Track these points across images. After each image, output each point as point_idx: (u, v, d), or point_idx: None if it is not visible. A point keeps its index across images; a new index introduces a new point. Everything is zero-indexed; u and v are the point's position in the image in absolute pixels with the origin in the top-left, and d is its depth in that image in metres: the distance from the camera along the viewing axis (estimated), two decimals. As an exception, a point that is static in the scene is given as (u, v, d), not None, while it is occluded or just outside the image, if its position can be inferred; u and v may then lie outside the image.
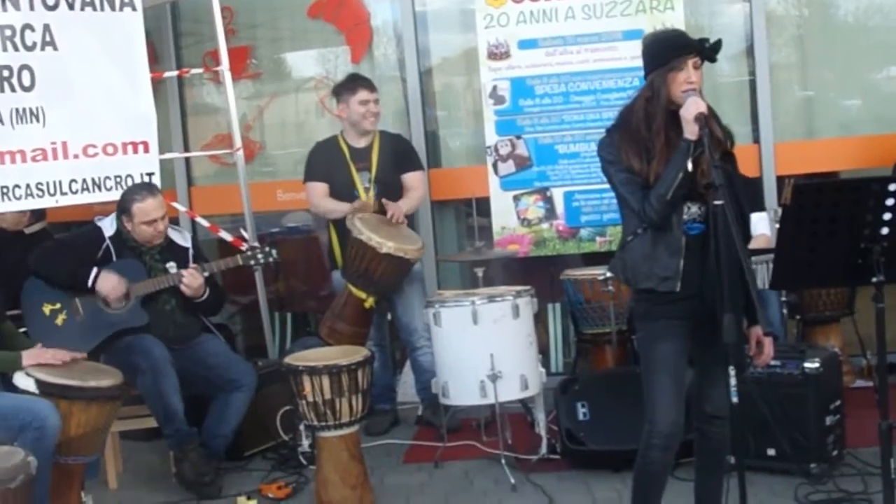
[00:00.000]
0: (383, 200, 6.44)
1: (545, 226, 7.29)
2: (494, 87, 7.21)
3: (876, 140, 7.19)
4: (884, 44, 7.46)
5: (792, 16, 7.50)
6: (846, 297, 6.62)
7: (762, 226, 6.35)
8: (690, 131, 3.98)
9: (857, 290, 6.61)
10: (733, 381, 3.87)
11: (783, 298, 6.33)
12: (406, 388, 7.14)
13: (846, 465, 5.42)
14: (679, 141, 4.02)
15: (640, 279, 4.19)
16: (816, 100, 7.50)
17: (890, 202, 3.57)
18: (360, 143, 6.62)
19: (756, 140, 7.29)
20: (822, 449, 5.33)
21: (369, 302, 6.30)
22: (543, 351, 7.10)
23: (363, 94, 6.54)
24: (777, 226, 6.09)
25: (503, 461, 5.67)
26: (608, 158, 4.21)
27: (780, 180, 7.18)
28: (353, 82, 6.62)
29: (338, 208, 6.48)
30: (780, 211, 6.32)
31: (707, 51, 4.14)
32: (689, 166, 3.97)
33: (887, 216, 3.59)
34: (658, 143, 4.07)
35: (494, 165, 7.26)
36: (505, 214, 7.29)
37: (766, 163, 7.22)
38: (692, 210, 4.14)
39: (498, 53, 7.19)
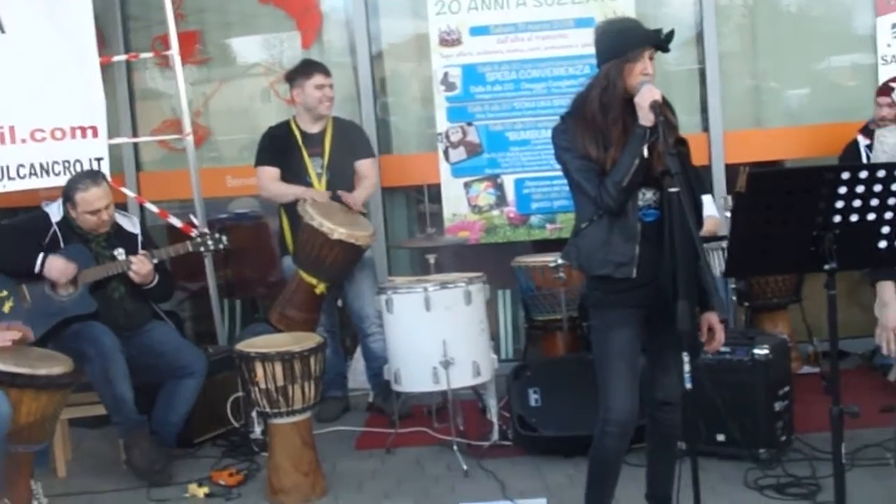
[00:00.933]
0: (339, 193, 6.40)
1: (496, 213, 7.30)
2: (445, 74, 7.21)
3: (823, 129, 7.27)
4: (828, 34, 7.54)
5: (739, 5, 7.55)
6: (794, 284, 6.69)
7: (709, 209, 6.40)
8: (645, 118, 4.01)
9: (804, 277, 6.68)
10: (687, 368, 3.89)
11: (732, 285, 6.39)
12: (356, 374, 7.12)
13: (794, 451, 5.48)
14: (635, 128, 4.05)
15: (596, 266, 4.20)
16: (764, 89, 7.57)
17: (842, 190, 3.59)
18: (314, 129, 6.59)
19: (705, 129, 7.35)
20: (770, 434, 5.38)
21: (320, 288, 6.27)
22: (493, 338, 7.09)
23: (318, 79, 6.51)
24: (726, 212, 6.20)
25: (455, 447, 5.67)
26: (563, 145, 4.22)
27: (729, 169, 7.25)
28: (308, 67, 6.57)
29: (289, 191, 6.45)
30: (729, 199, 6.41)
31: (661, 42, 4.18)
32: (645, 153, 4.00)
33: (840, 204, 3.61)
34: (615, 131, 4.09)
35: (445, 152, 7.26)
36: (456, 201, 7.30)
37: (716, 151, 7.28)
38: (647, 196, 4.17)
39: (449, 40, 7.18)
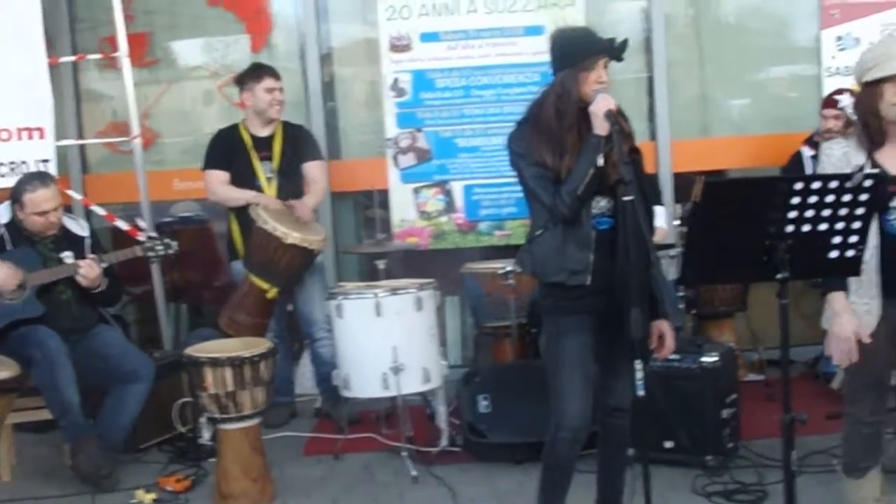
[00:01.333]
0: (289, 203, 6.37)
1: (444, 219, 7.32)
2: (395, 80, 7.21)
3: (768, 139, 7.35)
4: (773, 46, 7.65)
5: (686, 15, 7.62)
6: (740, 292, 6.77)
7: (659, 220, 6.45)
8: (600, 127, 4.05)
9: (749, 286, 6.76)
10: (640, 375, 3.92)
11: (680, 293, 6.44)
12: (303, 380, 7.10)
13: (741, 458, 5.54)
14: (589, 137, 4.08)
15: (550, 273, 4.23)
16: (711, 99, 7.64)
17: (795, 201, 3.63)
18: (263, 133, 6.55)
19: (653, 137, 7.40)
20: (718, 441, 5.43)
21: (272, 293, 6.23)
22: (441, 344, 7.09)
23: (269, 83, 6.48)
24: (675, 221, 6.26)
25: (404, 453, 5.67)
26: (519, 152, 4.25)
27: (676, 177, 7.31)
28: (259, 70, 6.54)
29: (240, 196, 6.41)
30: (678, 207, 6.47)
31: (615, 51, 4.22)
32: (600, 161, 4.03)
33: (792, 214, 3.65)
34: (570, 139, 4.13)
35: (394, 158, 7.26)
36: (404, 207, 7.31)
37: (663, 160, 7.33)
38: (601, 205, 4.21)
39: (399, 46, 7.19)
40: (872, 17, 7.27)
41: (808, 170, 6.58)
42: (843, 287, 4.18)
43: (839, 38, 7.33)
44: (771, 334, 7.06)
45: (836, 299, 4.20)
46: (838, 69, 7.29)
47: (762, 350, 6.92)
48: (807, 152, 6.71)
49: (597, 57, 4.15)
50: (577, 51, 4.18)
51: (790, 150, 6.89)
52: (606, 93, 4.12)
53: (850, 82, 6.79)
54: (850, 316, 4.17)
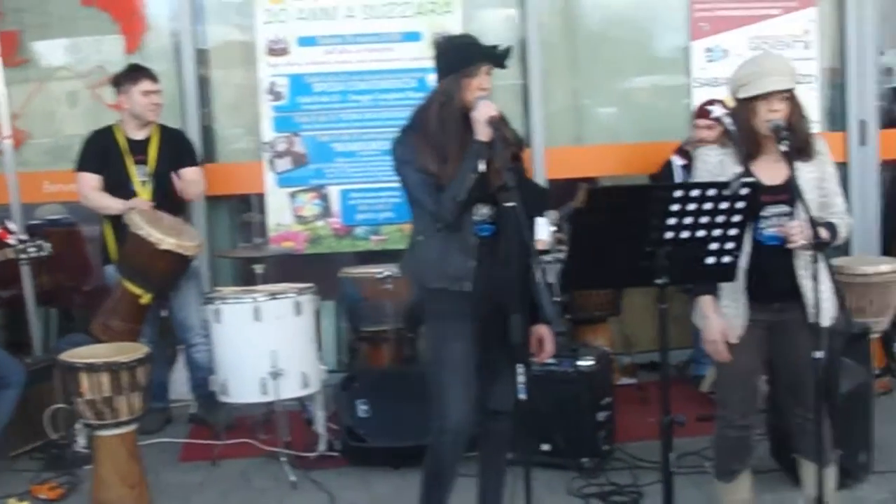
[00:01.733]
0: (172, 174, 6.30)
1: (320, 223, 7.30)
2: (272, 84, 7.18)
3: (639, 148, 7.48)
4: (644, 56, 7.81)
5: (560, 24, 7.72)
6: (613, 298, 6.89)
7: (542, 231, 6.51)
8: (482, 133, 4.09)
9: (622, 291, 6.89)
10: (522, 379, 3.99)
11: (556, 298, 6.52)
12: (177, 385, 7.01)
13: (616, 460, 5.66)
14: (472, 143, 4.12)
15: (432, 279, 4.27)
16: (584, 107, 7.76)
17: (675, 208, 3.73)
18: (139, 136, 6.45)
19: (527, 145, 7.46)
20: (593, 444, 5.54)
21: (145, 299, 6.14)
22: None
23: (146, 85, 6.39)
24: (551, 227, 6.34)
25: (283, 459, 5.65)
26: (402, 158, 4.27)
27: (551, 184, 7.40)
28: (136, 72, 6.44)
29: (112, 204, 6.31)
30: (553, 214, 6.55)
31: (499, 58, 4.28)
32: (482, 167, 4.08)
33: (672, 221, 3.75)
34: (453, 146, 4.17)
35: (271, 162, 7.22)
36: (280, 211, 7.27)
37: (538, 167, 7.41)
38: (483, 211, 4.26)
39: (277, 49, 7.16)
40: (740, 30, 7.47)
41: (679, 178, 6.71)
42: (713, 291, 4.32)
43: (708, 50, 7.51)
44: (642, 338, 7.29)
45: (704, 303, 4.34)
46: (707, 80, 7.47)
47: (634, 354, 7.05)
48: (677, 161, 6.85)
49: (479, 64, 4.20)
50: (460, 57, 4.23)
51: (661, 159, 7.02)
52: (489, 100, 4.18)
53: (720, 93, 7.01)
54: (717, 318, 4.31)
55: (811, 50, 7.51)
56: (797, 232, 4.11)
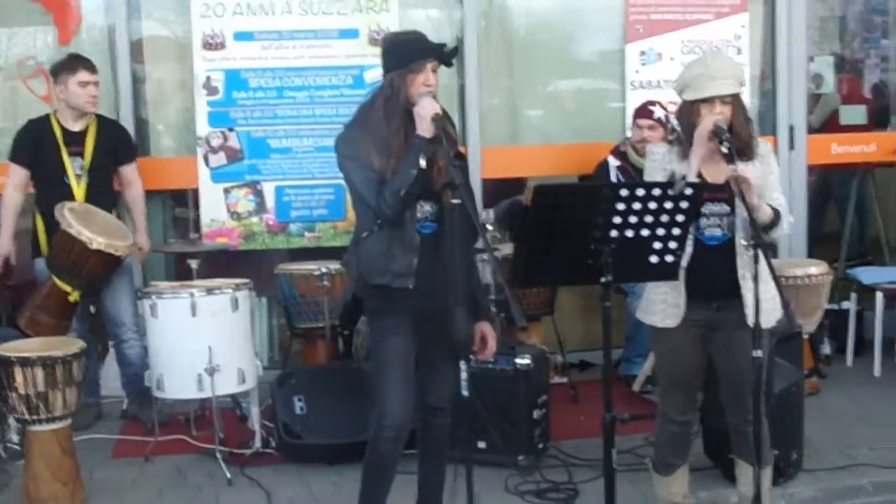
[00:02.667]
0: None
1: (255, 219, 7.24)
2: (208, 78, 7.10)
3: (574, 148, 7.53)
4: (580, 57, 7.88)
5: (497, 25, 7.75)
6: (548, 297, 6.92)
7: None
8: (424, 129, 4.12)
9: (557, 290, 6.93)
10: (464, 376, 4.02)
11: (492, 297, 6.55)
12: (108, 381, 6.92)
13: (551, 457, 5.70)
14: (414, 138, 4.14)
15: (375, 276, 4.28)
16: (519, 107, 7.79)
17: (620, 207, 3.78)
18: (75, 127, 6.33)
19: (463, 143, 7.49)
20: (529, 441, 5.58)
21: (74, 296, 6.04)
22: (251, 345, 7.06)
23: (83, 75, 6.28)
24: (487, 226, 6.37)
25: (219, 455, 5.61)
26: (346, 154, 4.29)
27: (485, 183, 7.43)
28: (74, 62, 6.33)
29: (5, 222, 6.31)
30: (490, 212, 6.59)
31: (445, 56, 4.30)
32: (423, 163, 4.10)
33: (617, 220, 3.80)
34: (397, 141, 4.19)
35: (205, 157, 7.16)
36: (214, 207, 7.19)
37: (473, 166, 7.40)
38: (425, 209, 4.29)
39: (213, 44, 7.09)
40: (674, 34, 7.56)
41: (614, 179, 6.78)
42: None
43: (643, 53, 7.59)
44: (574, 338, 7.33)
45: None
46: (641, 83, 7.55)
47: (568, 353, 7.10)
48: (613, 162, 6.91)
49: (425, 60, 4.23)
50: (406, 53, 4.26)
51: (594, 160, 7.07)
52: (433, 97, 4.20)
53: (654, 95, 7.11)
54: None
55: (743, 55, 7.61)
56: (746, 176, 4.11)
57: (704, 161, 4.24)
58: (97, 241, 5.88)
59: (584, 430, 5.82)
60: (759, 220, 4.10)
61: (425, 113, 4.12)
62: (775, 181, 4.41)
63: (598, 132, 7.58)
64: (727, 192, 4.22)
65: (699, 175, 4.19)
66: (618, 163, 6.87)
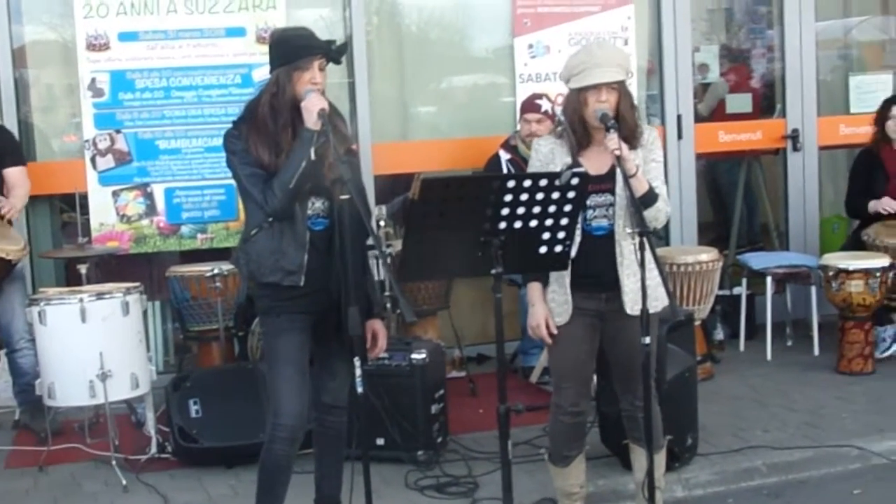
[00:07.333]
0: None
1: (145, 222, 7.14)
2: (93, 80, 6.98)
3: (465, 143, 7.57)
4: (469, 52, 7.94)
5: (385, 22, 7.76)
6: (443, 291, 6.93)
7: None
8: (311, 122, 4.11)
9: (452, 284, 6.95)
10: (359, 373, 4.02)
11: (386, 293, 6.54)
12: (-1, 391, 6.80)
13: (450, 451, 5.71)
14: (302, 131, 4.13)
15: (265, 273, 4.26)
16: (410, 103, 7.81)
17: (508, 198, 3.80)
18: (-41, 131, 6.23)
19: (354, 140, 7.47)
20: (428, 436, 5.59)
21: (-35, 304, 5.95)
22: (144, 349, 6.96)
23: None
24: (380, 222, 6.37)
25: (114, 462, 5.53)
26: (234, 150, 4.27)
27: (377, 180, 7.43)
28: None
29: None
30: (382, 209, 6.58)
31: (333, 53, 4.30)
32: (312, 155, 4.08)
33: (505, 211, 3.82)
34: (285, 137, 4.20)
35: (93, 160, 7.04)
36: (104, 210, 7.07)
37: (364, 163, 7.38)
38: (316, 205, 4.28)
39: (97, 45, 6.98)
40: (562, 27, 7.62)
41: (506, 172, 6.81)
42: (543, 279, 4.40)
43: (531, 46, 7.63)
44: (472, 332, 7.37)
45: (532, 289, 4.43)
46: (530, 76, 7.60)
47: (464, 347, 7.12)
48: (504, 155, 6.93)
49: (312, 57, 4.22)
50: (292, 50, 4.25)
51: (486, 154, 7.10)
52: (319, 94, 4.19)
53: (544, 88, 7.15)
54: (542, 305, 4.40)
55: (629, 46, 7.69)
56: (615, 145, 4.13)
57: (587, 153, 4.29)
58: None
59: (483, 423, 5.84)
60: (635, 190, 4.14)
61: (312, 107, 4.12)
62: (658, 169, 4.44)
63: (489, 126, 7.60)
64: (611, 184, 4.27)
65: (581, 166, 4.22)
66: (508, 156, 6.90)
